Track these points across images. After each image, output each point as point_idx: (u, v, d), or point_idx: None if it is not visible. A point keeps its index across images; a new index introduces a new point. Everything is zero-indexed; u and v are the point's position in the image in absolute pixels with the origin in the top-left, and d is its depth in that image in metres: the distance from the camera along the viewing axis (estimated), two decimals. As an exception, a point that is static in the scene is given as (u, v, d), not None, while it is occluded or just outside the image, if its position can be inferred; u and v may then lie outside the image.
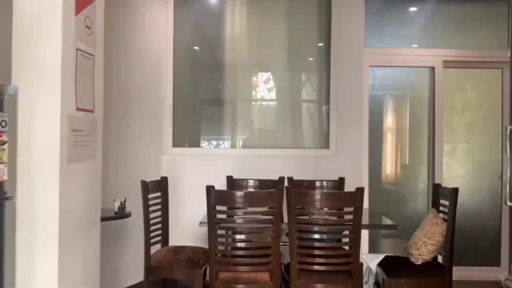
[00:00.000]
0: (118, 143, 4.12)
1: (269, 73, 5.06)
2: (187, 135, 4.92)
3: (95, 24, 2.62)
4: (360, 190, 2.87)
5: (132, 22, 4.34)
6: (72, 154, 2.40)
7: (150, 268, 3.31)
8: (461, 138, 5.00)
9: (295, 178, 4.05)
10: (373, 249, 4.76)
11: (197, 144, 4.93)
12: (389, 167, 5.08)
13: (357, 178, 4.43)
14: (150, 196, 3.43)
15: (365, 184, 4.59)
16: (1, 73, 2.31)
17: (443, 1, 4.85)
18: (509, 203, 1.01)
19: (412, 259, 3.18)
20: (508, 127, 1.04)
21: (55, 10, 2.25)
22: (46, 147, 2.26)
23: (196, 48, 4.98)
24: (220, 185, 3.92)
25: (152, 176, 3.85)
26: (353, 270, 2.90)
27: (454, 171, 4.95)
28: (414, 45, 4.96)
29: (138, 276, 3.87)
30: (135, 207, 3.65)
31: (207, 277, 3.07)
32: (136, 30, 4.38)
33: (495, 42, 4.82)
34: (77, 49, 2.41)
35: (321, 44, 4.86)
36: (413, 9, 4.96)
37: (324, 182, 4.04)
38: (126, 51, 4.26)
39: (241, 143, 4.92)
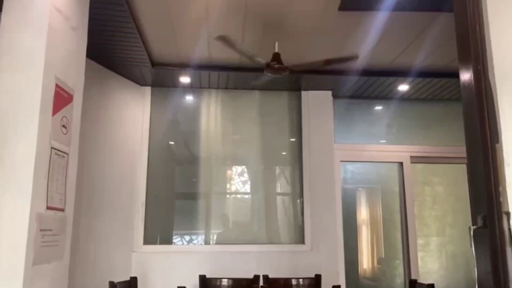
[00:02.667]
0: (86, 240, 3.97)
1: (243, 167, 5.13)
2: (159, 231, 4.80)
3: (71, 123, 2.66)
4: (337, 289, 2.80)
5: (109, 118, 4.41)
6: (38, 255, 2.29)
7: None
8: (433, 232, 5.06)
9: (271, 275, 3.94)
10: None
11: (169, 241, 4.79)
12: (365, 262, 5.01)
13: (333, 275, 4.34)
14: (118, 298, 3.24)
15: (341, 280, 4.50)
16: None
17: (406, 101, 5.17)
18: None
19: None
20: (471, 228, 1.08)
21: (33, 109, 2.28)
22: (12, 248, 2.16)
23: (171, 143, 5.05)
24: (193, 285, 3.77)
25: (122, 276, 3.68)
26: None
27: (429, 265, 4.93)
28: (382, 141, 5.18)
29: None
30: (101, 310, 3.44)
31: None
32: (112, 126, 4.45)
33: (458, 138, 5.10)
34: (52, 147, 2.41)
35: (293, 140, 5.02)
36: (378, 107, 5.25)
37: (301, 280, 3.94)
38: (100, 147, 4.28)
39: (215, 238, 4.82)
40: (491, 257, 1.03)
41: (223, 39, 3.36)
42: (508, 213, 1.07)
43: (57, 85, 2.45)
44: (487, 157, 1.07)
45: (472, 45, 1.18)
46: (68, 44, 2.63)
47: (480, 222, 1.08)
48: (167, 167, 4.97)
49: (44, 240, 2.36)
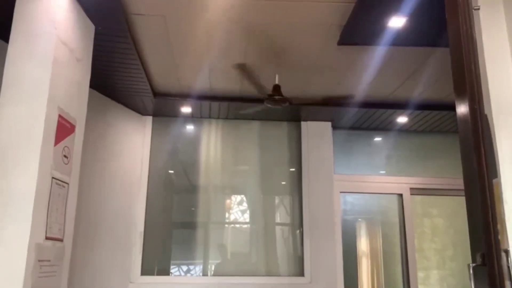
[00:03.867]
0: (83, 272, 3.93)
1: (242, 196, 5.12)
2: (156, 261, 4.75)
3: (72, 152, 2.68)
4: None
5: (109, 147, 4.43)
6: (36, 286, 2.27)
7: None
8: (433, 265, 5.01)
9: (269, 308, 3.88)
10: None
11: (166, 271, 4.74)
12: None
13: (333, 308, 4.27)
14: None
15: (342, 314, 4.42)
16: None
17: (405, 132, 5.21)
18: None
19: None
20: (471, 265, 1.08)
21: (35, 139, 2.30)
22: (9, 278, 2.14)
23: (171, 171, 5.06)
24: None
25: (118, 308, 3.62)
26: None
27: (431, 300, 4.86)
28: (381, 172, 5.19)
29: None
30: None
31: None
32: (112, 155, 4.47)
33: (457, 170, 5.11)
34: (53, 177, 2.43)
35: (293, 169, 5.03)
36: (378, 139, 5.29)
37: (300, 313, 3.88)
38: (100, 175, 4.29)
39: (213, 268, 4.77)
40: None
41: (241, 67, 3.52)
42: (506, 251, 1.07)
43: (60, 116, 2.48)
44: (485, 194, 1.09)
45: (467, 81, 1.21)
46: (72, 75, 2.67)
47: (479, 260, 1.09)
48: (166, 196, 4.96)
49: (42, 271, 2.35)
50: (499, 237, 1.06)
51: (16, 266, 2.17)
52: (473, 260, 1.12)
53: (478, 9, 1.59)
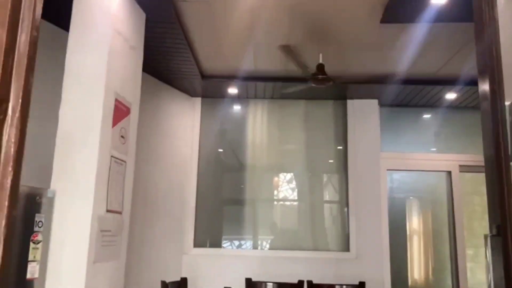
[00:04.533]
0: (140, 243, 4.25)
1: (290, 174, 5.26)
2: (208, 235, 5.02)
3: (128, 133, 2.91)
4: (377, 295, 2.86)
5: (160, 126, 4.70)
6: (99, 253, 2.54)
7: None
8: (483, 243, 4.95)
9: (315, 281, 4.04)
10: None
11: (218, 245, 5.00)
12: (413, 273, 4.99)
13: (378, 283, 4.36)
14: (169, 297, 3.47)
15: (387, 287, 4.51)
16: (42, 177, 2.55)
17: (454, 109, 5.12)
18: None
19: None
20: (488, 236, 1.16)
21: (95, 122, 2.54)
22: (76, 247, 2.42)
23: (220, 150, 5.27)
24: (239, 287, 3.93)
25: (173, 276, 3.90)
26: None
27: (479, 277, 4.83)
28: (430, 150, 5.14)
29: None
30: (154, 308, 3.67)
31: None
32: (165, 135, 4.73)
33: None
34: (112, 156, 2.67)
35: (340, 148, 5.09)
36: (426, 116, 5.22)
37: (344, 286, 4.01)
38: (154, 155, 4.57)
39: (263, 243, 4.98)
40: (504, 264, 1.12)
41: (286, 49, 3.62)
42: (521, 223, 1.14)
43: (116, 100, 2.71)
44: (501, 171, 1.15)
45: (488, 60, 1.26)
46: (126, 62, 2.89)
47: (494, 231, 1.16)
48: (216, 174, 5.19)
49: (104, 240, 2.61)
50: (514, 210, 1.13)
51: (82, 235, 2.44)
52: (490, 231, 1.20)
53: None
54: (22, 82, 0.64)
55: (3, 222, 0.62)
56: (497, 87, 1.22)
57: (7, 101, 0.61)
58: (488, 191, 1.23)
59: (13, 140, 0.62)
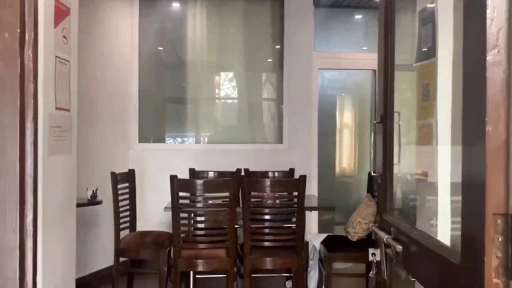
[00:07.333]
0: (88, 140, 4.46)
1: (230, 73, 5.50)
2: (152, 131, 5.30)
3: (70, 34, 2.99)
4: (302, 177, 3.35)
5: (99, 28, 4.68)
6: (52, 147, 2.77)
7: (120, 250, 3.70)
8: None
9: (251, 169, 4.51)
10: (323, 231, 5.29)
11: (162, 140, 5.32)
12: (341, 161, 5.62)
13: (306, 169, 4.92)
14: (119, 186, 3.81)
15: (314, 175, 5.11)
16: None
17: (384, 11, 5.42)
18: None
19: (349, 237, 3.69)
20: (373, 122, 1.51)
21: (37, 23, 2.60)
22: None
23: (160, 48, 5.35)
24: (183, 176, 4.33)
25: (121, 169, 4.21)
26: (298, 246, 3.39)
27: (393, 163, 5.55)
28: (363, 48, 5.50)
29: (108, 261, 4.24)
30: (104, 197, 4.02)
31: (172, 257, 3.49)
32: (103, 35, 4.73)
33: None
34: (56, 56, 2.78)
35: (278, 47, 5.33)
36: (358, 16, 5.51)
37: (276, 172, 4.52)
38: (94, 54, 4.60)
39: (205, 139, 5.35)
40: (383, 144, 1.50)
41: None
42: (398, 112, 1.51)
43: (56, 0, 2.75)
44: (387, 79, 1.49)
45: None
46: (62, -40, 2.86)
47: (379, 118, 1.53)
48: (157, 73, 5.33)
49: (55, 135, 2.83)
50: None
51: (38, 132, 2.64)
52: (375, 119, 1.58)
53: None
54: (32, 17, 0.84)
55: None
56: None
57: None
58: (379, 91, 1.58)
59: (31, 57, 0.84)
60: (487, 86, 0.84)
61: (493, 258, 0.84)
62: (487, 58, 0.84)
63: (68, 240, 3.12)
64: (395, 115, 1.49)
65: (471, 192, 0.91)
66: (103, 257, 4.45)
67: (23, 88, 0.84)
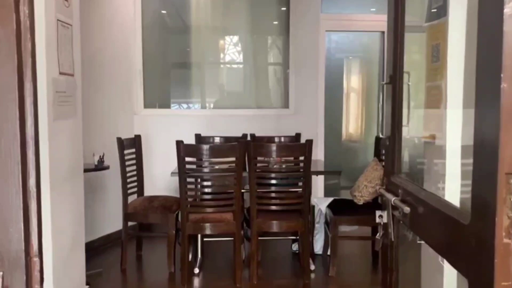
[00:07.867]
0: (93, 105, 4.43)
1: (235, 36, 5.39)
2: (157, 97, 5.26)
3: (71, -4, 2.92)
4: (309, 142, 3.33)
5: (101, -10, 4.57)
6: (57, 112, 2.75)
7: (128, 215, 3.74)
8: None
9: (257, 134, 4.49)
10: (329, 196, 5.32)
11: (167, 106, 5.29)
12: (348, 126, 5.58)
13: (313, 134, 4.89)
14: (125, 152, 3.82)
15: (320, 139, 5.09)
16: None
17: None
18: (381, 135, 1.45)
19: (355, 200, 3.71)
20: (382, 83, 1.49)
21: (36, -15, 2.54)
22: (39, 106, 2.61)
23: (164, 11, 5.25)
24: (189, 142, 4.32)
25: (126, 135, 4.21)
26: (303, 209, 3.41)
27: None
28: (372, 9, 5.35)
29: (116, 225, 4.30)
30: (111, 163, 4.03)
31: (179, 220, 3.53)
32: (106, 1, 4.63)
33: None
34: (58, 20, 2.73)
35: (284, 9, 5.20)
36: (366, -23, 5.35)
37: (282, 137, 4.50)
38: (96, 18, 4.52)
39: (211, 105, 5.31)
40: (392, 104, 1.47)
41: None
42: (407, 72, 1.47)
43: (55, -39, 2.67)
44: (396, 40, 1.44)
45: None
46: None
47: (388, 79, 1.49)
48: (161, 37, 5.24)
49: (60, 100, 2.81)
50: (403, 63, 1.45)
51: (41, 97, 2.62)
52: (384, 80, 1.54)
53: None
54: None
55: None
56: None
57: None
58: (388, 52, 1.53)
59: (27, 14, 0.81)
60: (503, 41, 0.80)
61: (504, 218, 0.82)
62: (505, 10, 0.80)
63: (76, 202, 3.16)
64: (405, 76, 1.45)
65: (483, 151, 0.89)
66: (112, 222, 4.50)
67: (20, 47, 0.81)
